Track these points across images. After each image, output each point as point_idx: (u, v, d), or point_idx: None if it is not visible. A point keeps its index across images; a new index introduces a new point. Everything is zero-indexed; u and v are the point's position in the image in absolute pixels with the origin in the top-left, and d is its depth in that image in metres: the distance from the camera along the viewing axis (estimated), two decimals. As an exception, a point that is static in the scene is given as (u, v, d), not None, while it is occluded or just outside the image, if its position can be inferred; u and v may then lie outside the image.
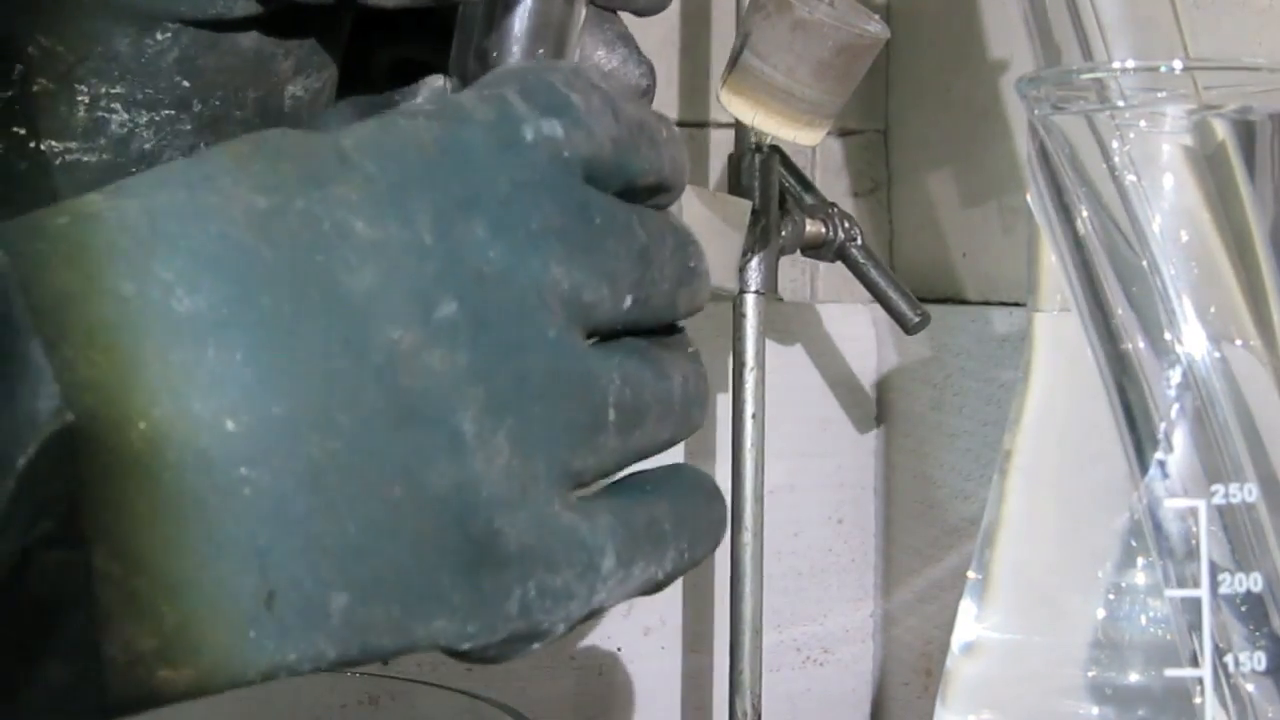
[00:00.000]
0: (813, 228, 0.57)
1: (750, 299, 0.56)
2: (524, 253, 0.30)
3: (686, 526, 0.33)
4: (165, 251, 0.26)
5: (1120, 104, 0.35)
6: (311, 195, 0.28)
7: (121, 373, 0.26)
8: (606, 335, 0.32)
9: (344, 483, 0.27)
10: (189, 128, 0.38)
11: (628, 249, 0.32)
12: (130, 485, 0.25)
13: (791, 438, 0.67)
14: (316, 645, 0.27)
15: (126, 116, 0.37)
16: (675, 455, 0.69)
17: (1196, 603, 0.34)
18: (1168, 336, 0.35)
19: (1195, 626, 0.34)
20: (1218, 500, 0.34)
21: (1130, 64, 0.36)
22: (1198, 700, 0.34)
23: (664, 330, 0.34)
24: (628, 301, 0.32)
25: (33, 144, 0.36)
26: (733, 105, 0.49)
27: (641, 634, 0.66)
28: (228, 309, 0.26)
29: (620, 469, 0.32)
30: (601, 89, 0.32)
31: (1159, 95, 0.35)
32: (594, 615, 0.31)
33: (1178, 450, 0.35)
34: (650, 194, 0.34)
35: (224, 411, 0.26)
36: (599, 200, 0.32)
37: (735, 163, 0.57)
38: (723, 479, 0.60)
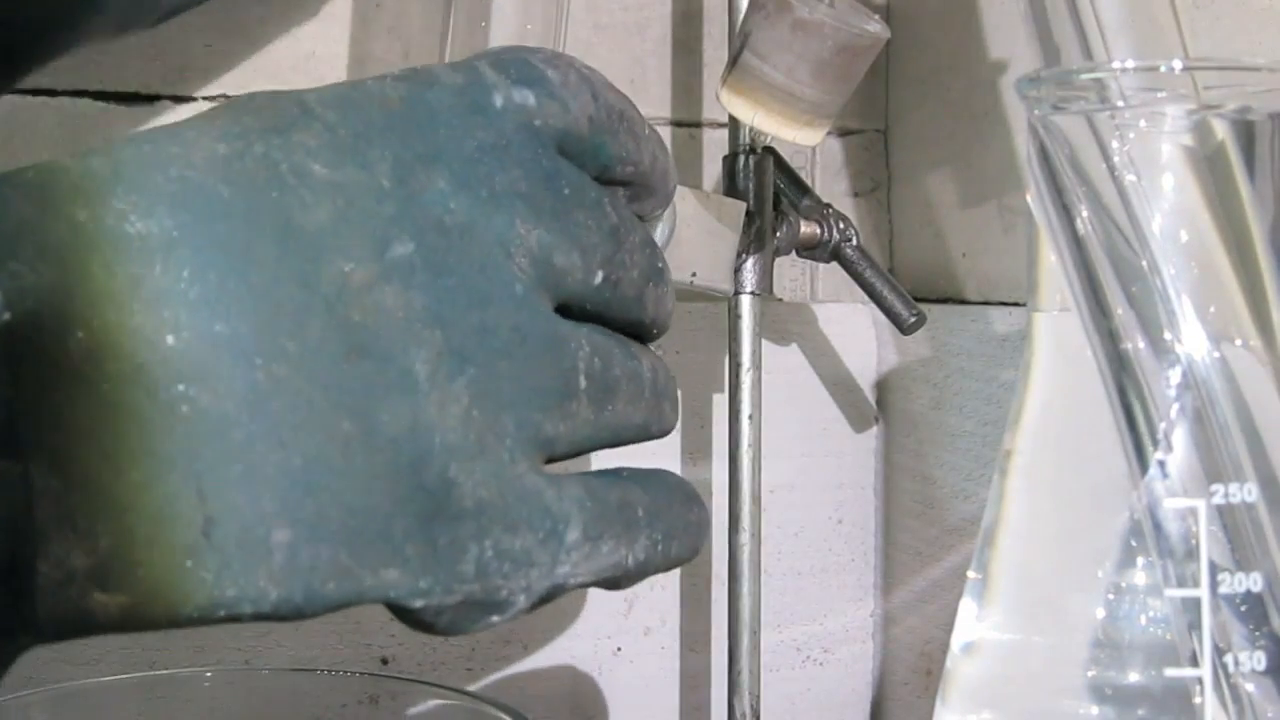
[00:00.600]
0: (807, 228, 0.57)
1: (745, 300, 0.56)
2: (488, 209, 0.30)
3: (662, 519, 0.33)
4: (124, 190, 0.27)
5: (1120, 104, 0.35)
6: (271, 141, 0.28)
7: (65, 282, 0.25)
8: (576, 314, 0.32)
9: (289, 411, 0.27)
10: None
11: (598, 224, 0.32)
12: (68, 395, 0.25)
13: (791, 438, 0.67)
14: (257, 583, 0.26)
15: None
16: (672, 454, 0.70)
17: (1196, 603, 0.34)
18: (1168, 336, 0.35)
19: (1195, 626, 0.34)
20: (1218, 500, 0.34)
21: (1130, 64, 0.36)
22: (1197, 700, 0.34)
23: (632, 334, 0.34)
24: (599, 277, 0.32)
25: None
26: (732, 105, 0.49)
27: (641, 634, 0.66)
28: (179, 232, 0.26)
29: (593, 444, 0.32)
30: (581, 70, 0.33)
31: (1159, 95, 0.35)
32: (557, 592, 0.31)
33: (1178, 450, 0.35)
34: (629, 189, 0.34)
35: (165, 326, 0.26)
36: (571, 172, 0.32)
37: (730, 163, 0.57)
38: (720, 480, 0.60)
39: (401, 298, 0.28)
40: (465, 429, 0.29)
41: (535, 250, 0.30)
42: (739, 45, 0.49)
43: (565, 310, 0.32)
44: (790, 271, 0.71)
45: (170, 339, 0.26)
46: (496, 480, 0.29)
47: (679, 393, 0.36)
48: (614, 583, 0.32)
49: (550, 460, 0.31)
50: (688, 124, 0.69)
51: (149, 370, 0.25)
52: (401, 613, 0.29)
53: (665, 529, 0.33)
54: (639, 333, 0.34)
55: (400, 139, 0.30)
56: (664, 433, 0.34)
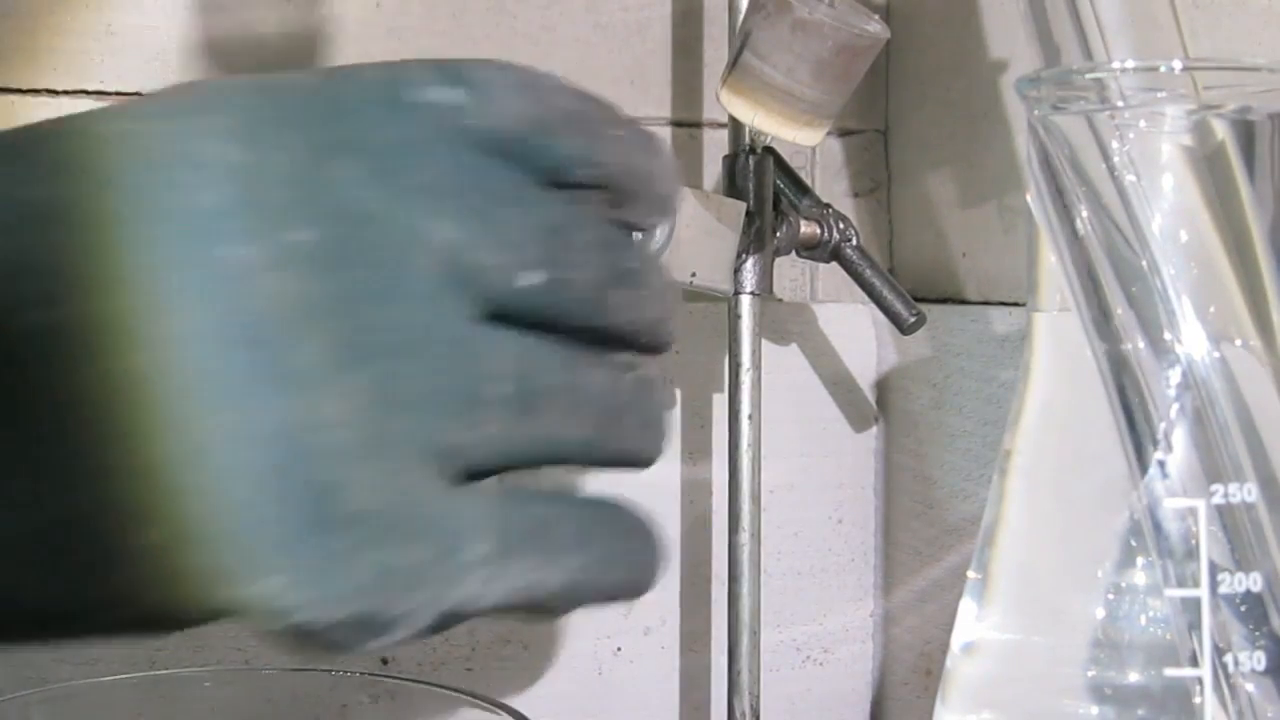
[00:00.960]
0: (808, 229, 0.57)
1: (745, 300, 0.56)
2: (400, 202, 0.28)
3: (596, 548, 0.31)
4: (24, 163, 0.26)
5: (1120, 104, 0.35)
6: (179, 121, 0.28)
7: None
8: (515, 320, 0.30)
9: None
10: None
11: (533, 223, 0.30)
12: None
13: (791, 438, 0.67)
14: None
15: None
16: (672, 454, 0.70)
17: (1196, 602, 0.34)
18: (1168, 336, 0.35)
19: (1195, 626, 0.34)
20: (1217, 500, 0.34)
21: (1130, 64, 0.36)
22: (1197, 700, 0.34)
23: (605, 342, 0.32)
24: (537, 278, 0.30)
25: None
26: (732, 105, 0.49)
27: (641, 634, 0.66)
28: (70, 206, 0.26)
29: (516, 459, 0.30)
30: (528, 74, 0.31)
31: (1159, 95, 0.35)
32: (461, 615, 0.29)
33: (1178, 450, 0.35)
34: (608, 194, 0.32)
35: (27, 304, 0.25)
36: (500, 172, 0.30)
37: (730, 163, 0.57)
38: (720, 480, 0.60)
39: (299, 285, 0.27)
40: (359, 430, 0.27)
41: (450, 248, 0.29)
42: (739, 45, 0.49)
43: (502, 317, 0.30)
44: (790, 271, 0.71)
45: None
46: (390, 488, 0.27)
47: (666, 412, 0.32)
48: (537, 608, 0.30)
49: (474, 476, 0.29)
50: (688, 124, 0.69)
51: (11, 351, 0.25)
52: (281, 625, 0.27)
53: (601, 560, 0.30)
54: (615, 341, 0.32)
55: (314, 126, 0.29)
56: (627, 455, 0.32)
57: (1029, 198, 0.37)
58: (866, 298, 0.59)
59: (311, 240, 0.27)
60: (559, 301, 0.30)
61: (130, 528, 0.25)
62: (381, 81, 0.30)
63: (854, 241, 0.58)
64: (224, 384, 0.26)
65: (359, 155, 0.29)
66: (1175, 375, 0.35)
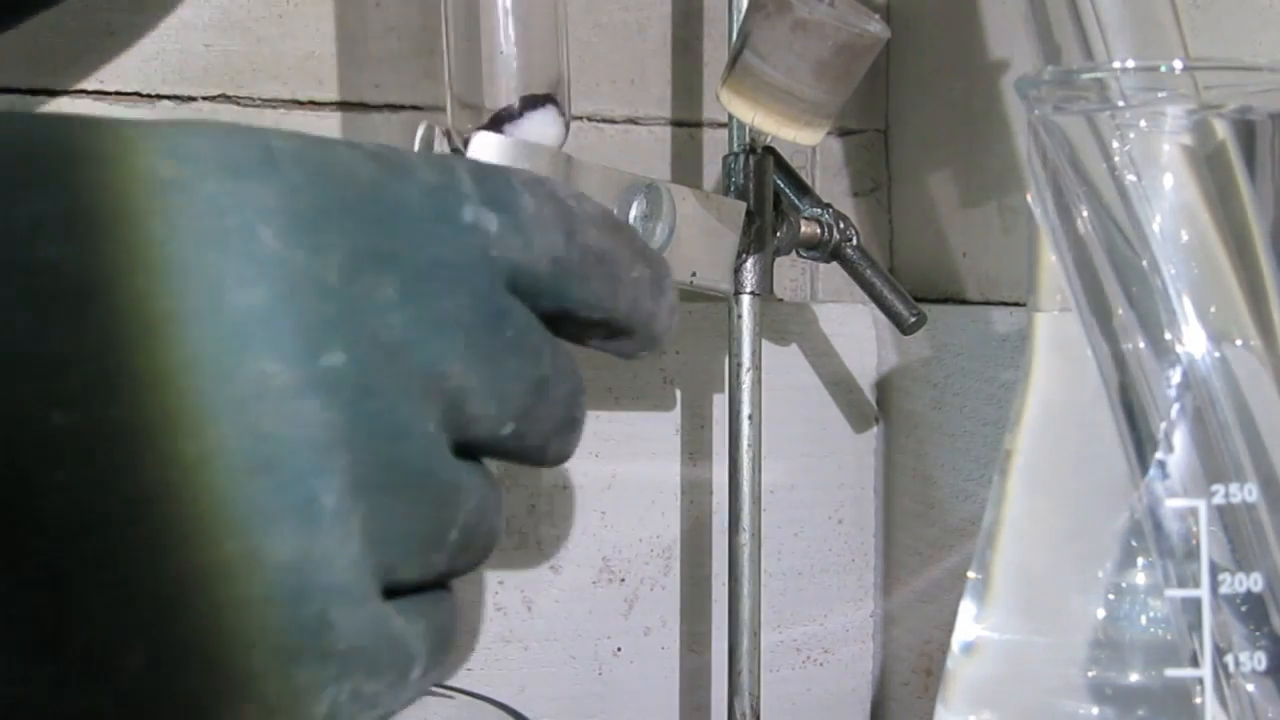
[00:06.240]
0: (808, 228, 0.57)
1: (745, 300, 0.56)
2: (426, 332, 0.27)
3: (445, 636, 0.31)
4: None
5: (1120, 104, 0.35)
6: (225, 182, 0.25)
7: None
8: (465, 452, 0.29)
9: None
10: None
11: (527, 375, 0.29)
12: None
13: (791, 438, 0.67)
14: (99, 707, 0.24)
15: None
16: (672, 454, 0.69)
17: (1196, 603, 0.34)
18: (1168, 336, 0.35)
19: (1195, 626, 0.34)
20: (1218, 500, 0.34)
21: (1130, 64, 0.36)
22: (1198, 700, 0.34)
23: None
24: (508, 429, 0.29)
25: None
26: (732, 105, 0.49)
27: (641, 634, 0.66)
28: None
29: (417, 586, 0.29)
30: (565, 203, 0.30)
31: (1159, 95, 0.35)
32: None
33: (1178, 450, 0.35)
34: (599, 332, 0.32)
35: (45, 403, 0.23)
36: (518, 314, 0.29)
37: (730, 163, 0.57)
38: (720, 480, 0.60)
39: (322, 414, 0.25)
40: (355, 569, 0.26)
41: (455, 390, 0.28)
42: (739, 45, 0.49)
43: (462, 446, 0.29)
44: (790, 271, 0.71)
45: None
46: (372, 625, 0.26)
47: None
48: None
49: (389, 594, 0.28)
50: (688, 124, 0.69)
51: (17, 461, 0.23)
52: None
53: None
54: (528, 463, 0.32)
55: (361, 226, 0.26)
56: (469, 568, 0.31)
57: (1029, 198, 0.37)
58: (867, 298, 0.59)
59: (342, 366, 0.26)
60: (516, 448, 0.30)
61: (116, 636, 0.24)
62: (431, 188, 0.28)
63: (854, 241, 0.58)
64: (244, 512, 0.24)
65: (398, 271, 0.27)
66: (1175, 375, 0.35)
